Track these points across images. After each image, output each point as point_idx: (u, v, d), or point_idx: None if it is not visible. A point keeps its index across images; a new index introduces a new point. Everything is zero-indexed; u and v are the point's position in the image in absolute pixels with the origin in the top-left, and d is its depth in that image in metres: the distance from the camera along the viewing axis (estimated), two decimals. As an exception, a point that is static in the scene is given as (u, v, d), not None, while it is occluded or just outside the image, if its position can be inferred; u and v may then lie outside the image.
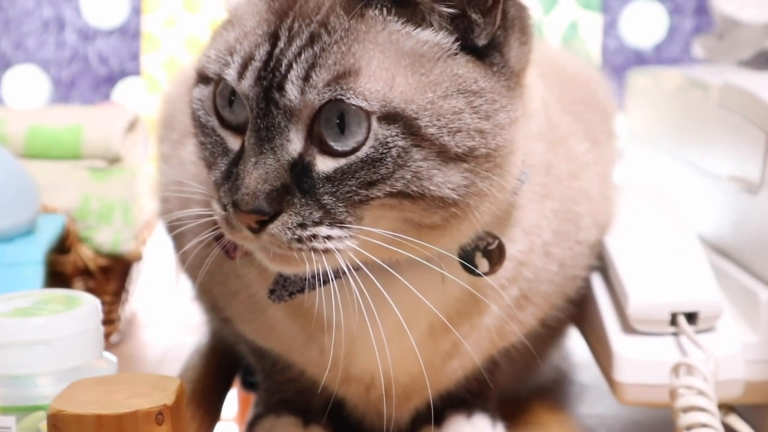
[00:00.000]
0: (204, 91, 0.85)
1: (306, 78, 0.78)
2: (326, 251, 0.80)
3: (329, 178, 0.79)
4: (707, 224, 1.16)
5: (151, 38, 1.73)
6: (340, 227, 0.80)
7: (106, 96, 1.74)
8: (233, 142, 0.83)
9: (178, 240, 1.03)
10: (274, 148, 0.79)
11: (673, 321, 0.98)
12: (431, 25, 0.81)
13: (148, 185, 1.31)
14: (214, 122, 0.84)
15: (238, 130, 0.83)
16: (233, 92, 0.82)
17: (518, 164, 0.86)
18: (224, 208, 0.81)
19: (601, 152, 1.06)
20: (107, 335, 1.29)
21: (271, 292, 0.89)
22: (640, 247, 1.05)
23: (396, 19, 0.81)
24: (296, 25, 0.80)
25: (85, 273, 1.26)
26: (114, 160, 1.28)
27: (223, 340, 1.12)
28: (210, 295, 1.03)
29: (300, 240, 0.79)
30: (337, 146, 0.79)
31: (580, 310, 1.06)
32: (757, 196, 1.04)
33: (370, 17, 0.80)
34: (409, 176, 0.79)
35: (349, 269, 0.81)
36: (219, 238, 0.88)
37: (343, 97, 0.77)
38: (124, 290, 1.33)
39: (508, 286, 0.94)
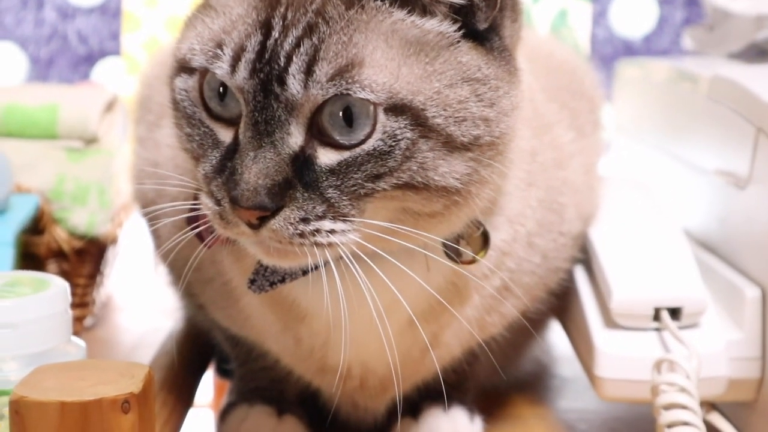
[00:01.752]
0: (189, 82, 0.82)
1: (308, 72, 0.75)
2: (329, 245, 0.78)
3: (333, 171, 0.77)
4: (693, 219, 1.15)
5: (132, 18, 1.71)
6: (344, 221, 0.78)
7: (85, 75, 1.71)
8: (224, 135, 0.80)
9: (154, 226, 1.00)
10: (274, 142, 0.77)
11: (657, 316, 0.96)
12: (435, 15, 0.79)
13: (125, 167, 1.29)
14: (201, 114, 0.81)
15: (230, 122, 0.80)
16: (223, 84, 0.79)
17: (515, 150, 0.85)
18: (218, 203, 0.79)
19: (587, 143, 1.04)
20: (81, 319, 1.27)
21: (252, 282, 0.87)
22: (624, 241, 1.03)
23: (399, 9, 0.79)
24: (290, 14, 0.77)
25: (60, 255, 1.24)
26: (91, 141, 1.26)
27: (198, 326, 1.10)
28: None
29: (302, 235, 0.77)
30: (343, 140, 0.77)
31: (562, 303, 1.05)
32: (745, 191, 1.02)
33: (372, 8, 0.78)
34: (415, 167, 0.77)
35: (348, 258, 0.79)
36: (193, 224, 0.86)
37: (350, 92, 0.75)
38: (99, 273, 1.31)
39: (491, 276, 0.92)
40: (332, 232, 0.78)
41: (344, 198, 0.77)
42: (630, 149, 1.40)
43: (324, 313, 0.87)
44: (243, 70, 0.77)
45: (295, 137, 0.77)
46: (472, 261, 0.87)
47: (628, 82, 1.45)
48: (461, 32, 0.80)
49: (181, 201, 0.87)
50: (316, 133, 0.77)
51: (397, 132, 0.76)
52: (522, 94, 0.84)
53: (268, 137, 0.77)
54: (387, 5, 0.78)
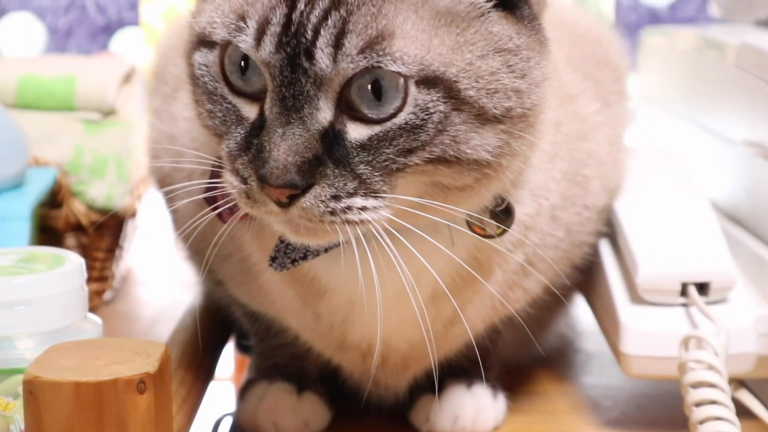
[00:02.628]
0: (209, 57, 0.80)
1: (337, 45, 0.73)
2: (361, 222, 0.76)
3: (364, 147, 0.75)
4: (721, 191, 1.13)
5: (150, -13, 1.70)
6: (375, 197, 0.76)
7: (103, 46, 1.70)
8: (248, 110, 0.78)
9: (172, 205, 0.99)
10: (302, 118, 0.75)
11: (684, 291, 0.95)
12: None
13: (143, 140, 1.28)
14: (223, 89, 0.79)
15: (253, 97, 0.78)
16: (244, 58, 0.77)
17: (545, 120, 0.84)
18: (244, 181, 0.77)
19: (612, 113, 1.02)
20: (101, 293, 1.26)
21: (273, 259, 0.85)
22: (650, 214, 1.01)
23: None
24: None
25: (78, 229, 1.23)
26: (109, 113, 1.24)
27: (216, 301, 1.09)
28: (202, 257, 1.00)
29: (333, 212, 0.76)
30: (372, 114, 0.75)
31: (586, 278, 1.03)
32: (774, 163, 1.00)
33: None
34: (448, 141, 0.76)
35: (379, 234, 0.77)
36: (212, 204, 0.85)
37: (381, 64, 0.73)
38: (118, 247, 1.30)
39: (514, 251, 0.90)
40: (363, 209, 0.76)
41: (376, 174, 0.76)
42: (656, 119, 1.38)
43: (344, 290, 0.86)
44: (269, 44, 0.75)
45: (324, 112, 0.75)
46: (496, 235, 0.86)
47: (654, 51, 1.43)
48: (492, 2, 0.78)
49: (198, 177, 0.85)
50: (345, 107, 0.76)
51: (430, 105, 0.75)
52: (552, 65, 0.82)
53: (296, 113, 0.75)
54: None
